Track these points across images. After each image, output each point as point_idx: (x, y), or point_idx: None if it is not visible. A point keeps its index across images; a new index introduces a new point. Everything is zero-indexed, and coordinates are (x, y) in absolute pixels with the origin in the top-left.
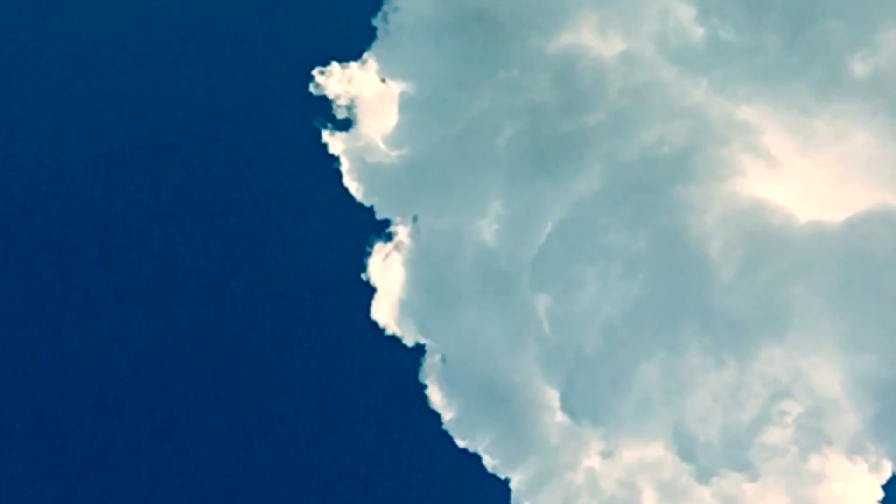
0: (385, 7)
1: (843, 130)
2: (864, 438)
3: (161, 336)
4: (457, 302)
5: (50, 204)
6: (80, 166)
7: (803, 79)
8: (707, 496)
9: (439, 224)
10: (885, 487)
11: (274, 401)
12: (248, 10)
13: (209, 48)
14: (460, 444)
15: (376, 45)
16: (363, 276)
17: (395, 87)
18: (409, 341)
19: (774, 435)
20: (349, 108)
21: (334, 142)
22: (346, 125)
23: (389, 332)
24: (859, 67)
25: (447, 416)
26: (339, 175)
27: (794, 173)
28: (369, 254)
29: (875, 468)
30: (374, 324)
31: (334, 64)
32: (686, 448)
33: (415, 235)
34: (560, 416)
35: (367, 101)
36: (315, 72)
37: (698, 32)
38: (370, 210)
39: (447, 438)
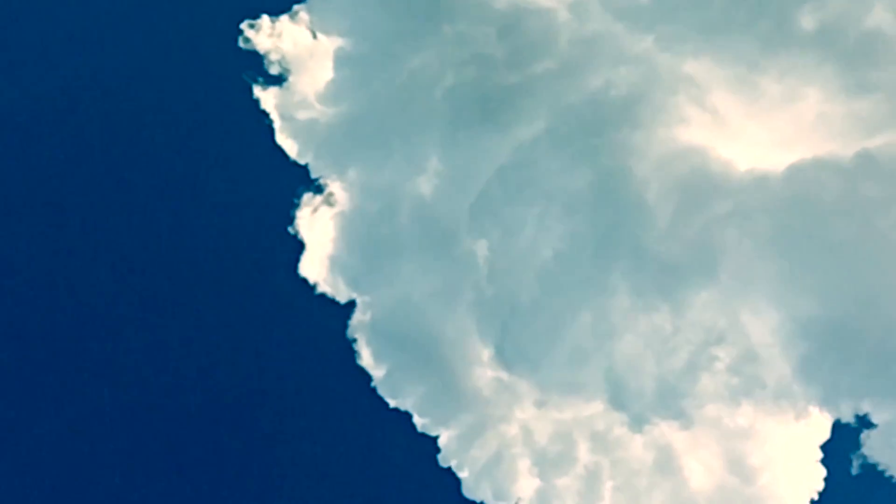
0: None
1: (789, 85)
2: (799, 385)
3: (89, 289)
4: (391, 256)
5: None
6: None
7: (750, 33)
8: (640, 446)
9: (375, 179)
10: (824, 447)
11: (198, 357)
12: None
13: (134, 1)
14: (390, 402)
15: None
16: (290, 230)
17: (330, 43)
18: (339, 297)
19: (707, 382)
20: (281, 63)
21: (266, 97)
22: (278, 80)
23: (319, 288)
24: (807, 21)
25: (377, 375)
26: (271, 132)
27: (738, 125)
28: (297, 206)
29: (802, 414)
30: (304, 280)
31: (264, 17)
32: (618, 396)
33: (349, 190)
34: (492, 370)
35: (301, 55)
36: (244, 25)
37: None
38: (304, 168)
39: (376, 397)
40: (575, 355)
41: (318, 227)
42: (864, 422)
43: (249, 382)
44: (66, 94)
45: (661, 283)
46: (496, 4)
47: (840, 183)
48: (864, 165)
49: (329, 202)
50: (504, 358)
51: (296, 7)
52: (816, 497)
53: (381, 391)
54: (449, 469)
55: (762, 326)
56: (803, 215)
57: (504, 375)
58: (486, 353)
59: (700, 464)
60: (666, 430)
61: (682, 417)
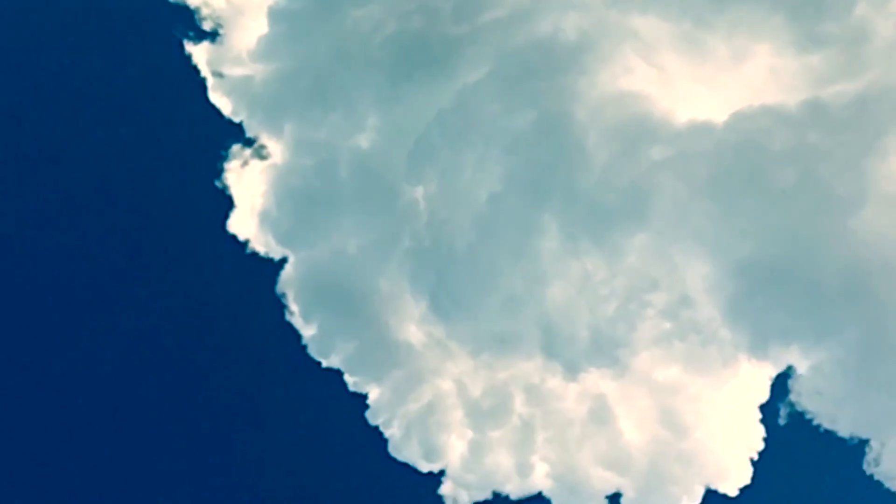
0: None
1: (738, 42)
2: (729, 330)
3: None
4: (326, 211)
5: None
6: None
7: None
8: (574, 397)
9: (313, 135)
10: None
11: (122, 316)
12: None
13: None
14: (320, 361)
15: None
16: (217, 184)
17: None
18: (269, 254)
19: (640, 328)
20: (213, 17)
21: (198, 53)
22: (210, 36)
23: (249, 245)
24: None
25: (307, 332)
26: (203, 89)
27: (683, 81)
28: (225, 158)
29: (730, 362)
30: (233, 237)
31: None
32: (551, 343)
33: (284, 146)
34: (426, 325)
35: (234, 10)
36: None
37: None
38: (239, 126)
39: (306, 355)
40: (509, 303)
41: (248, 181)
42: (794, 374)
43: (175, 344)
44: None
45: (595, 227)
46: None
47: (784, 130)
48: (811, 113)
49: (260, 155)
50: (438, 308)
51: None
52: (756, 457)
53: (311, 349)
54: (377, 428)
55: (696, 272)
56: (743, 161)
57: (437, 329)
58: (419, 307)
59: (633, 417)
60: (600, 382)
61: (616, 365)
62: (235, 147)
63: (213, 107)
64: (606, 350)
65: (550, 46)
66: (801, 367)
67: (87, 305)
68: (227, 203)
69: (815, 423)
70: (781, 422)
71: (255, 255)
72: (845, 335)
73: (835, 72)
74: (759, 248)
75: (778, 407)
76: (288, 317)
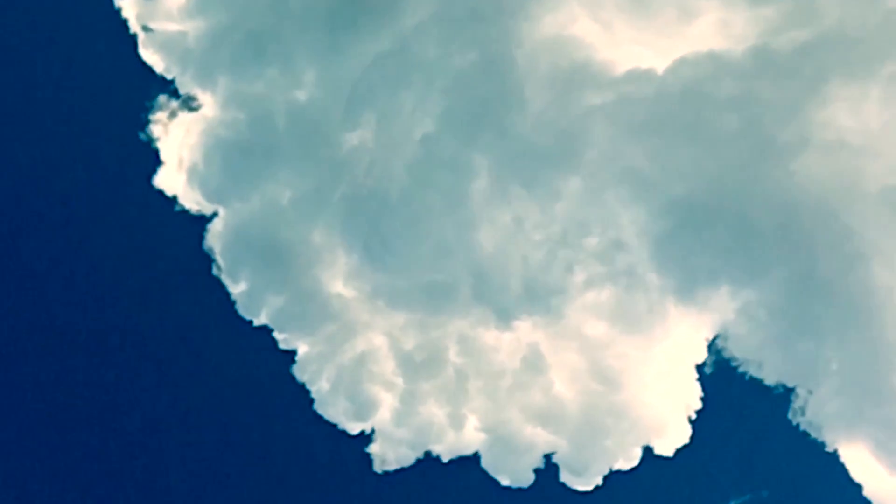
0: None
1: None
2: (659, 273)
3: None
4: (259, 164)
5: None
6: None
7: None
8: (507, 347)
9: (248, 89)
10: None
11: (43, 272)
12: None
13: None
14: (249, 318)
15: None
16: (142, 136)
17: None
18: (198, 209)
19: (572, 274)
20: None
21: (127, 7)
22: None
23: (178, 200)
24: None
25: (236, 290)
26: (133, 45)
27: (628, 30)
28: (151, 109)
29: (657, 307)
30: (160, 192)
31: None
32: (483, 290)
33: (216, 99)
34: (357, 278)
35: None
36: None
37: None
38: (171, 82)
39: (234, 312)
40: (441, 251)
41: (176, 134)
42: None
43: (99, 306)
44: None
45: (528, 171)
46: None
47: (727, 77)
48: (755, 61)
49: (189, 107)
50: (371, 259)
51: None
52: (694, 416)
53: (239, 307)
54: (304, 385)
55: (629, 216)
56: (682, 107)
57: (369, 282)
58: (352, 260)
59: (566, 372)
60: (533, 332)
61: (549, 313)
62: (162, 98)
63: (143, 63)
64: (539, 297)
65: None
66: (729, 311)
67: (6, 262)
68: (153, 157)
69: (740, 370)
70: (708, 371)
71: (183, 211)
72: (773, 277)
73: (785, 22)
74: (693, 192)
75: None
76: (216, 273)
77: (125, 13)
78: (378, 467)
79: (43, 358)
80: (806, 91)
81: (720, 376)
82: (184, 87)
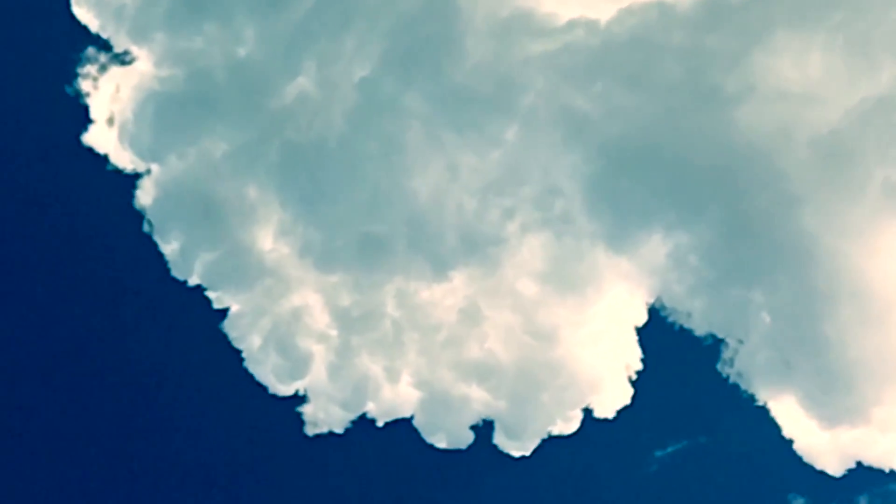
0: None
1: None
2: (592, 218)
3: None
4: (193, 120)
5: None
6: None
7: None
8: (444, 299)
9: (184, 44)
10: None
11: None
12: None
13: None
14: (184, 278)
15: None
16: (69, 90)
17: None
18: (132, 168)
19: (508, 223)
20: None
21: None
22: None
23: (110, 159)
24: None
25: (168, 249)
26: (66, 2)
27: None
28: (79, 62)
29: (589, 250)
30: (89, 149)
31: None
32: (419, 240)
33: (150, 54)
34: (293, 232)
35: None
36: None
37: None
38: (106, 42)
39: (167, 271)
40: (378, 201)
41: (107, 89)
42: None
43: (26, 269)
44: None
45: (467, 117)
46: None
47: (671, 26)
48: (700, 10)
49: (122, 61)
50: (307, 213)
51: None
52: (635, 376)
53: (171, 266)
54: (234, 342)
55: (565, 163)
56: (625, 56)
57: (305, 236)
58: (288, 214)
59: (501, 325)
60: (469, 285)
61: (485, 263)
62: (91, 50)
63: (77, 21)
64: (475, 246)
65: None
66: (660, 257)
67: None
68: (82, 113)
69: (669, 320)
70: (646, 329)
71: (115, 169)
72: (705, 221)
73: None
74: (629, 135)
75: None
76: (148, 231)
77: None
78: (310, 430)
79: None
80: (751, 40)
81: (655, 330)
82: (119, 46)
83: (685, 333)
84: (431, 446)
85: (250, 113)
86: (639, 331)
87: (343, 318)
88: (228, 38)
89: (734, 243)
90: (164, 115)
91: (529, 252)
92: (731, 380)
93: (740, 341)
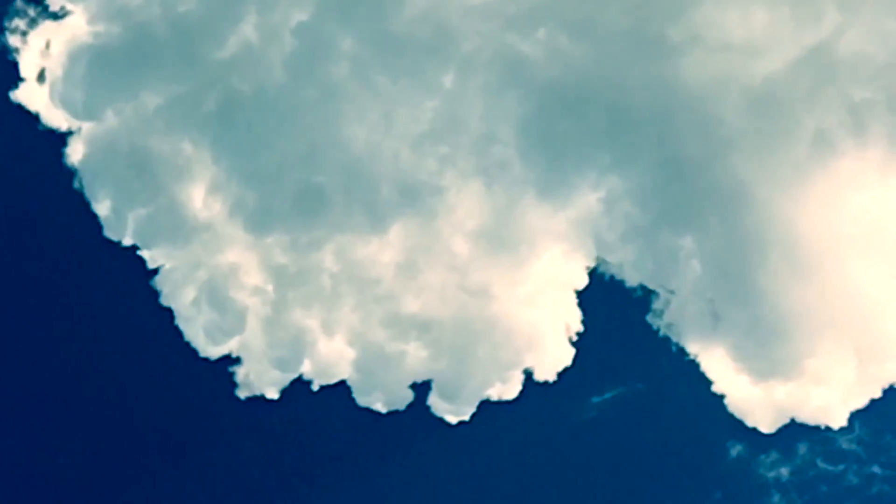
0: None
1: None
2: (527, 165)
3: None
4: (128, 76)
5: None
6: None
7: None
8: (380, 254)
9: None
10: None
11: None
12: None
13: None
14: (114, 238)
15: None
16: None
17: None
18: (66, 126)
19: (445, 171)
20: None
21: None
22: None
23: (41, 117)
24: None
25: (100, 208)
26: None
27: None
28: (7, 15)
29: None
30: (19, 106)
31: None
32: (356, 190)
33: (85, 9)
34: (228, 188)
35: None
36: None
37: None
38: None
39: (99, 230)
40: (316, 152)
41: (36, 44)
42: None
43: None
44: None
45: (405, 64)
46: None
47: None
48: None
49: (53, 15)
50: (242, 167)
51: None
52: (576, 338)
53: (104, 225)
54: (164, 299)
55: (500, 108)
56: (567, 5)
57: (240, 192)
58: (222, 168)
59: (437, 279)
60: (406, 240)
61: (423, 213)
62: (19, 3)
63: None
64: (413, 194)
65: None
66: (592, 202)
67: None
68: (11, 69)
69: (600, 270)
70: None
71: (47, 128)
72: (639, 166)
73: None
74: (567, 82)
75: None
76: (79, 189)
77: None
78: (242, 393)
79: None
80: None
81: (593, 287)
82: (54, 4)
83: (617, 285)
84: (368, 409)
85: (187, 65)
86: (579, 294)
87: (279, 273)
88: None
89: (667, 188)
90: (97, 71)
91: (465, 208)
92: (662, 332)
93: (671, 292)
